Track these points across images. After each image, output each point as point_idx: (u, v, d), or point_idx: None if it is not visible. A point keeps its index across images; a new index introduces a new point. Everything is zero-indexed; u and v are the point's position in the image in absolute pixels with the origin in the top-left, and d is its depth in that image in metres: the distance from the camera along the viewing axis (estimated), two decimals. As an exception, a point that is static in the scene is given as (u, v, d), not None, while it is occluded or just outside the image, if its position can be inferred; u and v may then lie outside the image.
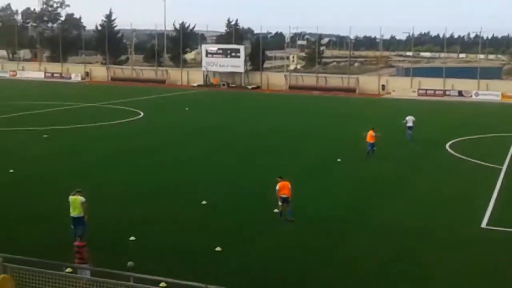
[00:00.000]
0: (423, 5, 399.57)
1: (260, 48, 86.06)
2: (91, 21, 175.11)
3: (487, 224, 22.05)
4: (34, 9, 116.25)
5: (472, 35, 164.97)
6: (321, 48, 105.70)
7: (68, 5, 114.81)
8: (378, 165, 32.14)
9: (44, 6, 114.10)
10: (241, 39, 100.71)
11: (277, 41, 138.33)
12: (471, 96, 71.68)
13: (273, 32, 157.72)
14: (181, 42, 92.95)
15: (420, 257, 18.82)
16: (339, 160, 32.92)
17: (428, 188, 27.56)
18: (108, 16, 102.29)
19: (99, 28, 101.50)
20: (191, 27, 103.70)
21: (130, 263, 16.82)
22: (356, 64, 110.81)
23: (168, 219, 22.03)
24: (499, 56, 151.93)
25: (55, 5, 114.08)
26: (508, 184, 28.30)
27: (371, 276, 17.32)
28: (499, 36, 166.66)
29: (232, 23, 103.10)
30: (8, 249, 15.40)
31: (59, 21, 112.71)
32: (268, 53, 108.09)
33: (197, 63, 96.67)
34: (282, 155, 34.76)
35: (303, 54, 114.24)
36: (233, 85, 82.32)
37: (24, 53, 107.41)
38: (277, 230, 21.06)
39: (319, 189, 26.97)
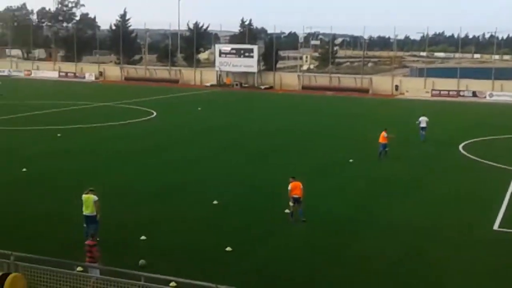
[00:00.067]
0: (438, 5, 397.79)
1: (274, 48, 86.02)
2: (106, 21, 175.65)
3: (500, 226, 21.90)
4: (49, 9, 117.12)
5: (487, 35, 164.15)
6: (335, 48, 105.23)
7: (83, 5, 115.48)
8: (390, 166, 32.05)
9: (59, 6, 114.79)
10: (255, 39, 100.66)
11: (291, 41, 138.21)
12: (485, 97, 71.21)
13: (287, 32, 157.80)
14: (194, 42, 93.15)
15: (430, 257, 18.75)
16: (351, 160, 32.86)
17: (441, 189, 27.43)
18: (123, 16, 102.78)
19: (113, 28, 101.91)
20: (204, 27, 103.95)
21: (142, 261, 16.99)
22: (369, 65, 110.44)
23: (177, 219, 22.10)
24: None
25: (70, 5, 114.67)
26: (521, 186, 28.07)
27: (380, 276, 17.29)
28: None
29: (246, 22, 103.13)
30: (20, 247, 15.55)
31: (74, 21, 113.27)
32: (282, 53, 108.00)
33: (211, 63, 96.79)
34: (291, 154, 34.88)
35: (316, 54, 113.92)
36: (246, 85, 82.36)
37: (39, 52, 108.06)
38: (287, 230, 21.06)
39: (330, 189, 26.96)
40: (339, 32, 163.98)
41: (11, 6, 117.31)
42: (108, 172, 29.44)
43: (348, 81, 79.66)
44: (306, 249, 19.42)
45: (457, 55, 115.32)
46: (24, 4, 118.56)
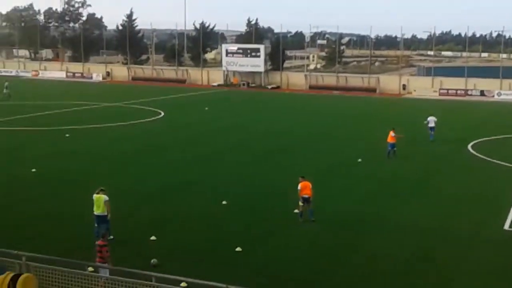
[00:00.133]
0: (445, 4, 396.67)
1: (280, 47, 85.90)
2: (112, 21, 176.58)
3: (510, 226, 21.80)
4: (56, 9, 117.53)
5: (494, 34, 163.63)
6: (342, 47, 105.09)
7: (89, 5, 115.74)
8: (398, 166, 31.96)
9: (66, 6, 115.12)
10: (261, 38, 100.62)
11: (297, 40, 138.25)
12: (493, 96, 70.92)
13: (293, 31, 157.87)
14: (201, 42, 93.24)
15: (438, 257, 18.69)
16: (359, 160, 32.79)
17: (450, 189, 27.34)
18: (129, 16, 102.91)
19: (120, 28, 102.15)
20: (211, 26, 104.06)
21: (154, 260, 17.06)
22: (376, 64, 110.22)
23: (186, 218, 22.14)
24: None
25: (76, 5, 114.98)
26: (531, 186, 27.95)
27: (387, 276, 17.25)
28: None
29: (252, 22, 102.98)
30: (31, 248, 15.59)
31: (81, 21, 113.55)
32: (288, 52, 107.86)
33: (217, 63, 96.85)
34: (297, 154, 34.84)
35: (323, 53, 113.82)
36: (253, 85, 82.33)
37: (46, 53, 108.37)
38: (295, 230, 21.05)
39: (337, 189, 26.94)
40: (345, 31, 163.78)
41: (18, 7, 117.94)
42: (117, 172, 29.50)
43: (355, 80, 79.52)
44: (313, 249, 19.43)
45: (464, 54, 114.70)
46: (31, 4, 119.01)
